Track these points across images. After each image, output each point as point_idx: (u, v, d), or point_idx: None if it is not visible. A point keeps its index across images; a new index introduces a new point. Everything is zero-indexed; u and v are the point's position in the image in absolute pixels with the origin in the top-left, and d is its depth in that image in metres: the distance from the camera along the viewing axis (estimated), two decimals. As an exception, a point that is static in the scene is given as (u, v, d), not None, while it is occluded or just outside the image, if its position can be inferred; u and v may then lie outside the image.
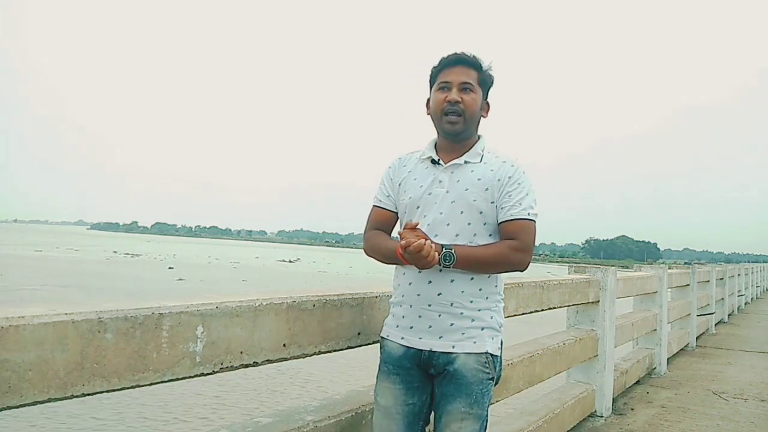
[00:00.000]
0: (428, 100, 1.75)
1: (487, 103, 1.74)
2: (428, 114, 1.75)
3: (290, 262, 44.75)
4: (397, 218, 1.79)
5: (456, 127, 1.66)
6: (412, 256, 1.51)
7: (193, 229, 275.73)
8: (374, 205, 1.81)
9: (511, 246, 1.61)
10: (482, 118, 1.73)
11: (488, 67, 1.71)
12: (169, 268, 28.28)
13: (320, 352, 1.72)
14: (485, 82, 1.71)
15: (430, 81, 1.75)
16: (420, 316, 1.63)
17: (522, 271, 1.67)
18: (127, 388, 1.22)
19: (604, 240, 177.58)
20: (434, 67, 1.73)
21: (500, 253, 1.60)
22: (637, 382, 5.08)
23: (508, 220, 1.63)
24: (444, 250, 1.55)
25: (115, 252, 44.17)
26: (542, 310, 3.07)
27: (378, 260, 1.73)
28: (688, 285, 7.42)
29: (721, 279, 10.03)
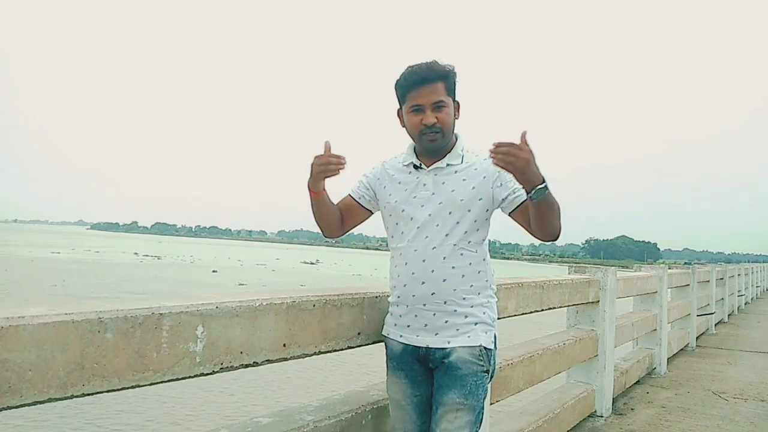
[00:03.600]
0: (399, 111, 1.75)
1: (458, 103, 1.74)
2: (403, 126, 1.76)
3: (312, 263, 43.82)
4: (364, 213, 1.86)
5: (436, 144, 1.70)
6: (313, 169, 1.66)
7: (193, 229, 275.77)
8: (348, 194, 1.87)
9: None
10: (456, 119, 1.74)
11: (450, 69, 1.68)
12: (213, 271, 28.07)
13: (320, 352, 1.72)
14: (452, 87, 1.70)
15: (397, 95, 1.73)
16: (416, 316, 1.70)
17: (557, 237, 1.66)
18: (127, 388, 1.21)
19: (604, 240, 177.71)
20: (398, 84, 1.71)
21: (559, 208, 1.59)
22: (637, 382, 5.08)
23: (523, 201, 1.64)
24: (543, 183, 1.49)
25: (136, 254, 43.60)
26: (542, 310, 3.07)
27: (315, 219, 1.81)
28: (688, 285, 7.41)
29: (721, 279, 10.02)
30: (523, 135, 1.46)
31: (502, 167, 1.47)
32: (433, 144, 1.70)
